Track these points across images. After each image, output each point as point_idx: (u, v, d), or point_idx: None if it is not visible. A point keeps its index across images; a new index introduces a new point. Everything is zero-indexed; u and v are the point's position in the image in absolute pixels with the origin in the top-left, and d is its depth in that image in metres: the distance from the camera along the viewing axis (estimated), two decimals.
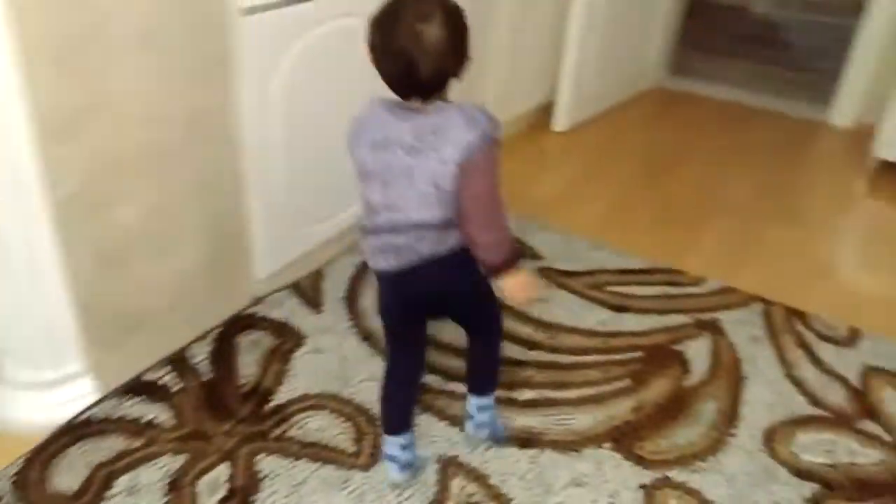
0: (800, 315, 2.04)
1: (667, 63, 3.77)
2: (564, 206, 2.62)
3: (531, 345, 1.92)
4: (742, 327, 1.99)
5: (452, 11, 1.14)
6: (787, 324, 2.00)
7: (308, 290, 2.06)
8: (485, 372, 1.53)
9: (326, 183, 2.02)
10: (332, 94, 1.92)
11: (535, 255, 2.30)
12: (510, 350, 1.84)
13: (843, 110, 3.29)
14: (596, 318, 2.03)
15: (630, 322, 2.02)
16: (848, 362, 1.86)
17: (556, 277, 2.20)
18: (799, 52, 4.34)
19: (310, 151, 1.94)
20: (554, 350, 1.90)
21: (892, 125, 2.71)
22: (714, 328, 1.99)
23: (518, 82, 2.97)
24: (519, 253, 1.27)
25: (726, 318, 2.03)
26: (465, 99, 1.23)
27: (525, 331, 1.96)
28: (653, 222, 2.53)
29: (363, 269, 2.14)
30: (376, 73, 1.18)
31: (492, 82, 2.79)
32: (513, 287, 1.27)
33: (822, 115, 3.35)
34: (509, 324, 1.96)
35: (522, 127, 3.17)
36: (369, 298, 2.03)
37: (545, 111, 3.17)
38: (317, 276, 2.12)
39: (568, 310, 2.05)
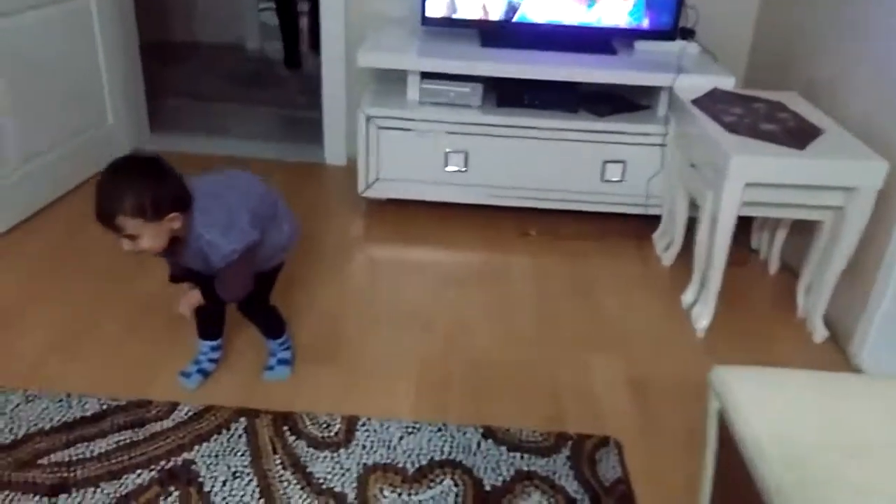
0: (289, 420, 1.72)
1: (142, 120, 3.26)
2: (2, 337, 1.94)
3: None
4: (221, 462, 1.58)
5: None
6: (275, 437, 1.67)
7: None
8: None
9: None
10: None
11: None
12: None
13: (333, 149, 3.20)
14: None
15: None
16: (345, 469, 1.58)
17: None
18: (294, 89, 4.24)
19: None
20: None
21: (364, 162, 2.63)
22: (187, 476, 1.55)
23: None
24: None
25: (203, 455, 1.60)
26: None
27: None
28: (118, 341, 1.99)
29: None
30: None
31: None
32: None
33: (318, 156, 3.22)
34: None
35: None
36: None
37: None
38: None
39: None
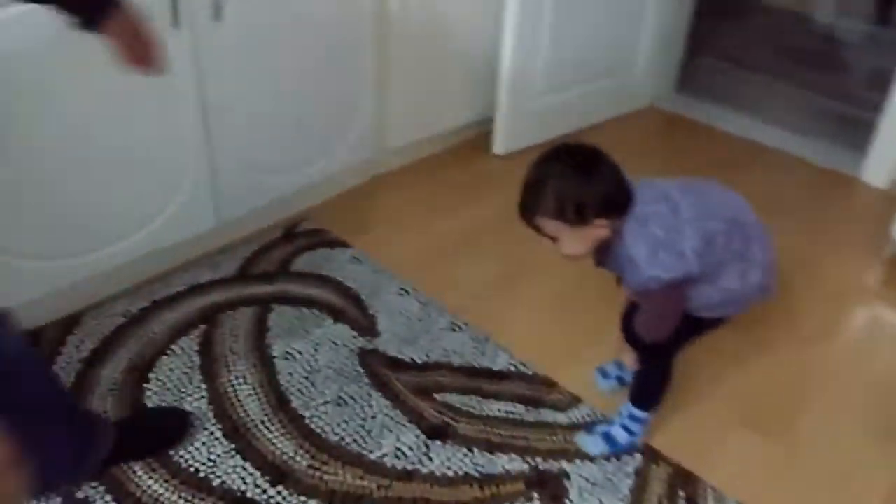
0: (689, 484, 1.36)
1: (671, 77, 3.03)
2: (459, 259, 2.01)
3: (280, 476, 1.35)
4: (595, 494, 1.34)
5: None
6: (665, 499, 1.34)
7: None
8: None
9: None
10: None
11: (368, 330, 1.71)
12: (241, 483, 1.29)
13: (877, 163, 2.49)
14: (397, 442, 1.43)
15: (439, 458, 1.40)
16: None
17: (380, 369, 1.60)
18: (856, 78, 3.48)
19: None
20: (309, 492, 1.32)
21: None
22: (555, 488, 1.35)
23: (446, 92, 2.36)
24: None
25: (578, 473, 1.38)
26: None
27: (284, 449, 1.39)
28: (552, 304, 1.86)
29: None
30: None
31: (402, 90, 2.19)
32: None
33: (855, 167, 2.56)
34: (264, 437, 1.41)
35: (456, 144, 2.55)
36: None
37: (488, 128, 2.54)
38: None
39: (366, 425, 1.46)
